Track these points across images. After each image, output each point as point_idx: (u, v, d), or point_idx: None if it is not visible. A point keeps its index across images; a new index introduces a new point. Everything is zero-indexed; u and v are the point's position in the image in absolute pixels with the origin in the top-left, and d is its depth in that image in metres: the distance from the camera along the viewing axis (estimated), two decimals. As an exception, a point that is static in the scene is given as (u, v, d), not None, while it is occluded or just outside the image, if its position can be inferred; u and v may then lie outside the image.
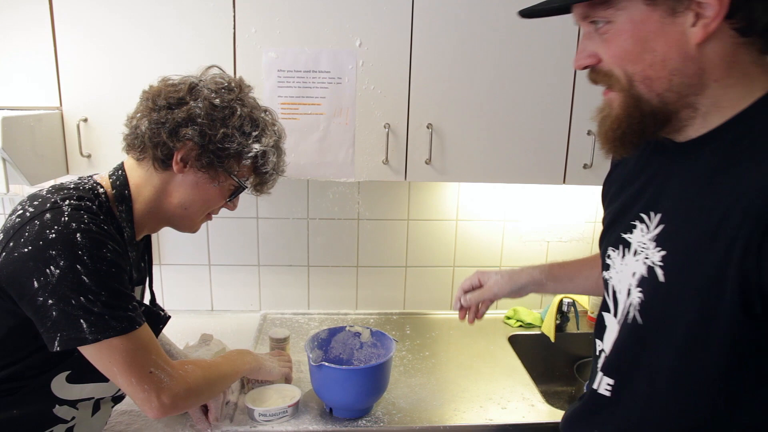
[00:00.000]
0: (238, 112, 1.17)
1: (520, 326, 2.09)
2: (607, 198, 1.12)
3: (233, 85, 1.22)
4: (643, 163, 0.97)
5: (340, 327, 1.62)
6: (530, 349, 1.98)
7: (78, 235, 1.01)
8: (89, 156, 1.59)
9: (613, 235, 1.00)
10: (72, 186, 1.13)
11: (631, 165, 1.02)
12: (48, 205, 1.04)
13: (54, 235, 1.00)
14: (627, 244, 0.95)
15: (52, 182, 1.91)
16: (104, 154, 1.59)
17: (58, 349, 1.00)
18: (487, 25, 1.57)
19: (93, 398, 1.20)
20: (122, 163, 1.22)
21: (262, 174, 1.25)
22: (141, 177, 1.19)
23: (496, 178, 1.71)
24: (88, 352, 1.04)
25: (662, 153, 0.91)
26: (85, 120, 1.57)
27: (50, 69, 1.54)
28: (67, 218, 1.02)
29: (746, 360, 0.81)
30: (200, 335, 1.72)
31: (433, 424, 1.48)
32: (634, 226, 0.94)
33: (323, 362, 1.42)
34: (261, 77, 1.57)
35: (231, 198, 1.27)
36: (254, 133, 1.19)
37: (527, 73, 1.62)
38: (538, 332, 2.04)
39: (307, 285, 2.15)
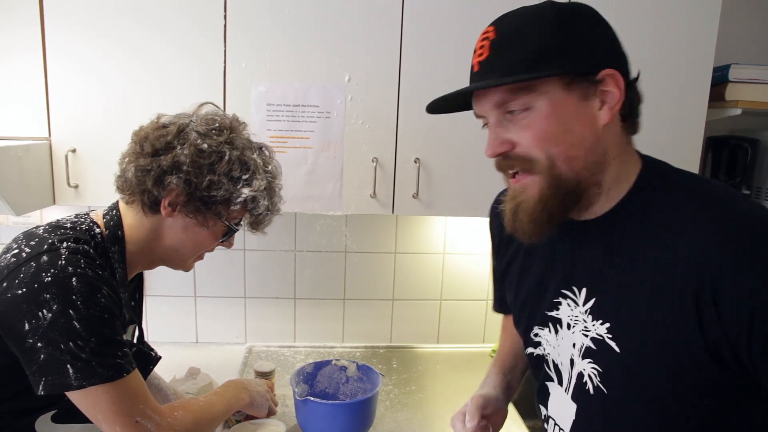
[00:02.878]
0: (227, 157, 1.15)
1: (507, 360, 2.08)
2: (507, 282, 1.14)
3: (225, 125, 1.19)
4: (541, 245, 0.98)
5: (326, 361, 1.61)
6: (517, 384, 1.96)
7: (74, 279, 1.00)
8: (76, 186, 1.59)
9: (536, 315, 1.04)
10: (69, 225, 1.12)
11: (523, 247, 1.05)
12: (45, 246, 1.03)
13: (50, 278, 0.98)
14: (557, 321, 0.99)
15: (38, 212, 1.91)
16: (92, 184, 1.59)
17: (42, 393, 0.98)
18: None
19: None
20: (117, 203, 1.21)
21: (255, 215, 1.24)
22: (133, 219, 1.19)
23: (482, 212, 1.71)
24: (74, 397, 1.02)
25: (566, 231, 0.94)
26: (74, 150, 1.57)
27: (40, 99, 1.55)
28: (63, 262, 1.01)
29: (721, 403, 0.85)
30: (188, 369, 1.70)
31: (419, 460, 1.46)
32: (559, 303, 0.98)
33: (308, 397, 1.40)
34: (250, 111, 1.59)
35: (224, 239, 1.26)
36: (244, 177, 1.17)
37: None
38: (525, 366, 2.03)
39: (293, 317, 2.13)
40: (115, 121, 1.56)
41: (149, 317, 2.07)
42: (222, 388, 1.37)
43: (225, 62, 1.56)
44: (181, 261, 1.25)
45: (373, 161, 1.63)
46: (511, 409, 1.73)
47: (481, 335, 2.22)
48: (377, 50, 1.58)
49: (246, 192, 1.17)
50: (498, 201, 1.16)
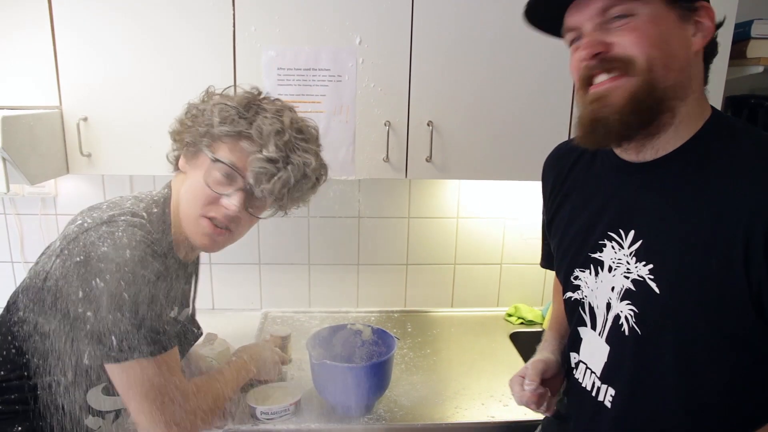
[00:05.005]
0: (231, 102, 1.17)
1: (522, 323, 2.09)
2: (554, 228, 1.18)
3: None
4: (594, 189, 1.03)
5: (342, 325, 1.62)
6: (532, 347, 1.94)
7: (128, 251, 1.02)
8: (89, 155, 1.59)
9: (579, 257, 1.06)
10: (130, 203, 1.15)
11: (574, 192, 1.10)
12: (105, 217, 1.07)
13: (105, 248, 1.01)
14: (599, 263, 1.01)
15: (52, 182, 1.92)
16: (104, 153, 1.59)
17: (87, 362, 1.02)
18: (487, 22, 1.57)
19: (120, 409, 1.21)
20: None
21: (253, 171, 1.14)
22: (174, 192, 1.24)
23: (496, 175, 1.71)
24: (112, 370, 1.05)
25: (620, 174, 0.98)
26: (85, 119, 1.56)
27: (50, 68, 1.54)
28: (120, 233, 1.04)
29: (753, 357, 0.86)
30: (205, 334, 1.72)
31: (435, 421, 1.48)
32: (603, 245, 1.00)
33: (325, 360, 1.42)
34: (261, 75, 1.57)
35: (208, 181, 1.14)
36: (246, 115, 1.16)
37: (527, 70, 1.62)
38: (540, 329, 2.04)
39: (308, 283, 2.15)
40: (125, 89, 1.55)
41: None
42: (234, 363, 1.40)
43: (234, 27, 1.54)
44: (190, 223, 1.16)
45: (385, 125, 1.61)
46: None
47: (495, 299, 2.23)
48: (388, 12, 1.55)
49: (244, 125, 1.13)
50: (555, 152, 1.23)
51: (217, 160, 1.13)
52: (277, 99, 1.23)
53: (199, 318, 2.03)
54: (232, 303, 2.15)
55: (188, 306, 1.34)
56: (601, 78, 0.90)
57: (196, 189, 1.15)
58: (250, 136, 1.12)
